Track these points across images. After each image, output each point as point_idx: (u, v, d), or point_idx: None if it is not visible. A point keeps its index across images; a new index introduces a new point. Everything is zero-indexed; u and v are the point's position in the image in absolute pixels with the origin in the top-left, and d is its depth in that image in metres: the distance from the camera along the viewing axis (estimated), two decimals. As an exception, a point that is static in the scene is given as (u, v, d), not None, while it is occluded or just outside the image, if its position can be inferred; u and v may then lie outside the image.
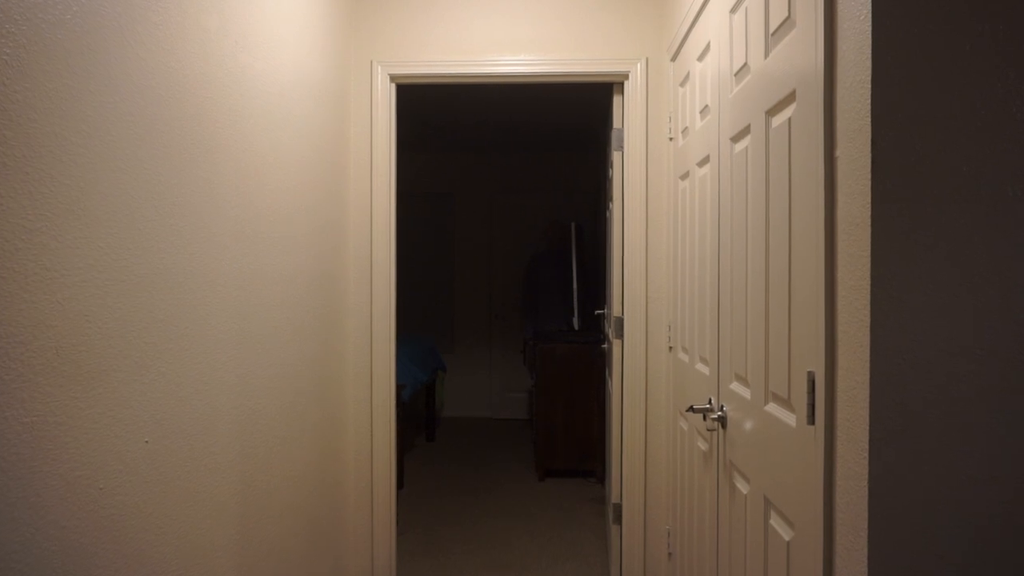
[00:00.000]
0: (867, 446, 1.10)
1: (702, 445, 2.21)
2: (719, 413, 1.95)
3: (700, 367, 2.25)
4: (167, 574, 1.44)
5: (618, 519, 3.01)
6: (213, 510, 1.63)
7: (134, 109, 1.31)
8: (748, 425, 1.71)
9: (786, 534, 1.46)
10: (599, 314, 4.86)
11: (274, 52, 2.01)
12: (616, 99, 2.99)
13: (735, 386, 1.84)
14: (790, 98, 1.44)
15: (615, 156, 3.01)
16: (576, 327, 5.25)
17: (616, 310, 3.01)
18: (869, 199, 1.10)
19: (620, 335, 2.98)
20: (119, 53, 1.26)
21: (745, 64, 1.74)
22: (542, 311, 5.61)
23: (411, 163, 6.83)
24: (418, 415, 6.75)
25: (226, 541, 1.70)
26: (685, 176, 2.51)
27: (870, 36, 1.09)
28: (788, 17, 1.45)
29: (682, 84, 2.56)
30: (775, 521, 1.53)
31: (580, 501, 4.32)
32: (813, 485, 1.30)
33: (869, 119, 1.10)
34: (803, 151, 1.36)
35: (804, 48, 1.35)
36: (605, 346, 3.64)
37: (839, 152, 1.22)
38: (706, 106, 2.17)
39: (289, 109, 2.13)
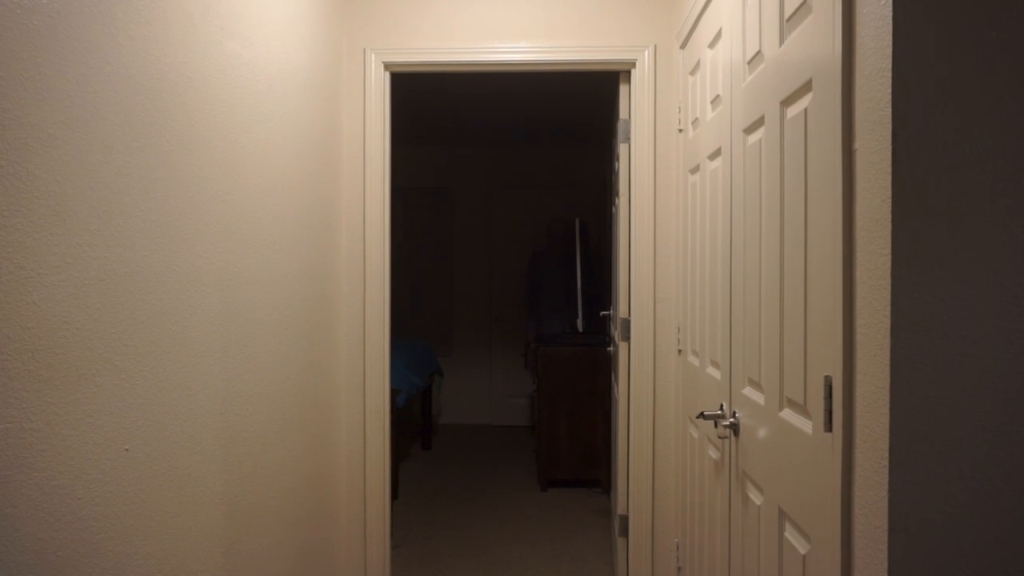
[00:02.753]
0: (887, 454, 1.10)
1: (713, 453, 2.20)
2: (731, 420, 1.95)
3: (711, 371, 2.25)
4: (149, 589, 1.44)
5: (624, 532, 3.01)
6: (197, 521, 1.63)
7: (114, 98, 1.31)
8: (762, 432, 1.71)
9: (802, 547, 1.46)
10: (604, 315, 4.86)
11: (262, 39, 2.01)
12: (622, 88, 2.99)
13: (748, 391, 1.84)
14: (806, 88, 1.44)
15: (621, 149, 3.01)
16: (580, 329, 5.24)
17: (622, 311, 3.01)
18: (890, 194, 1.09)
19: (627, 337, 2.98)
20: (98, 40, 1.26)
21: (759, 52, 1.74)
22: (544, 312, 5.61)
23: (407, 157, 6.83)
24: (414, 422, 6.74)
25: (211, 555, 1.70)
26: (695, 170, 2.51)
27: (890, 22, 1.09)
28: (804, 2, 1.45)
29: (692, 73, 2.56)
30: (790, 534, 1.53)
31: (584, 512, 4.32)
32: (830, 495, 1.30)
33: (890, 110, 1.09)
34: (820, 143, 1.36)
35: (821, 35, 1.35)
36: (611, 349, 3.64)
37: (858, 145, 1.21)
38: (717, 96, 2.17)
39: (278, 99, 2.13)
